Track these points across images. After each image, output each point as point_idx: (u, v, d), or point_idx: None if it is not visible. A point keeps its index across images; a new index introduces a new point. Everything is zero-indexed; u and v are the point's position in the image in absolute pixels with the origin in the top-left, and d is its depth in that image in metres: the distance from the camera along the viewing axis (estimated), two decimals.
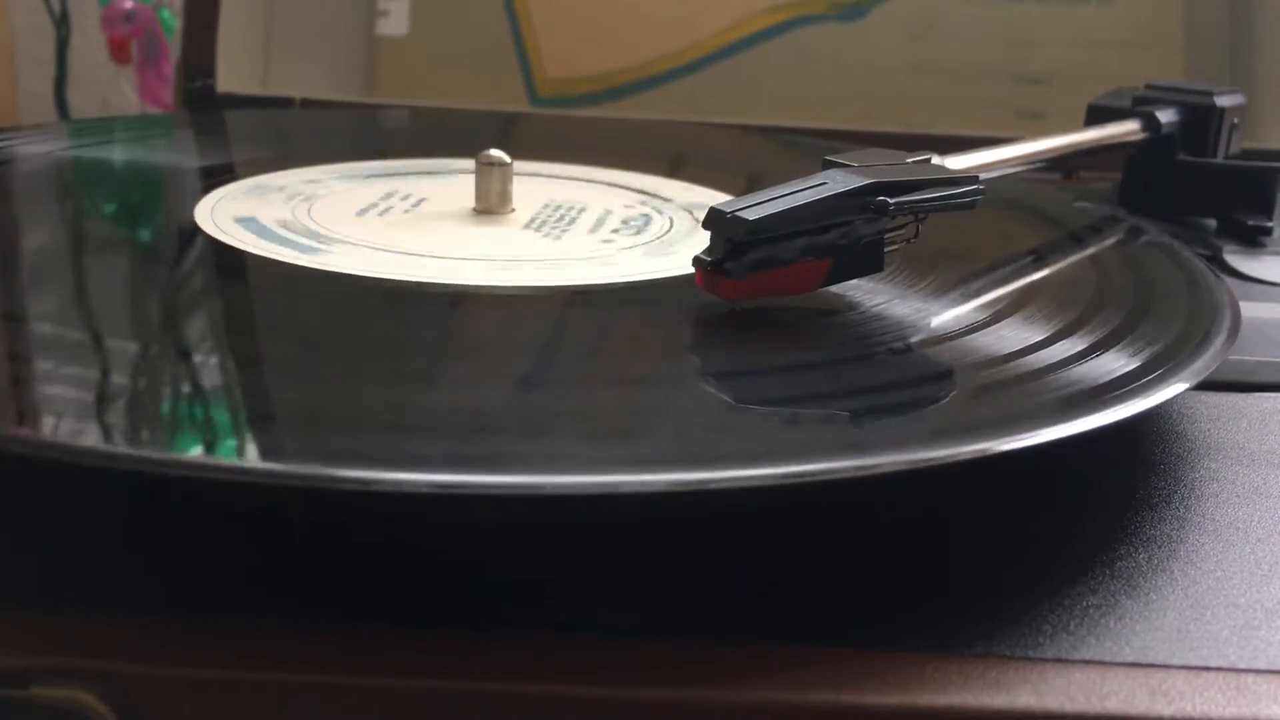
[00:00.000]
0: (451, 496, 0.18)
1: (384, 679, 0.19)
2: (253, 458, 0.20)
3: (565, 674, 0.19)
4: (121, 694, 0.18)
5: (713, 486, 0.19)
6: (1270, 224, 0.42)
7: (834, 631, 0.20)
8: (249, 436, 0.20)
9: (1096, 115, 0.45)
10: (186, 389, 0.22)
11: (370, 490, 0.18)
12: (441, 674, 0.19)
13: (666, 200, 0.38)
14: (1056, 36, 0.59)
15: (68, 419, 0.20)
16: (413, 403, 0.22)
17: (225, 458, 0.19)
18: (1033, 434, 0.21)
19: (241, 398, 0.22)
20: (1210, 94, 0.44)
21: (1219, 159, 0.44)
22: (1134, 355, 0.26)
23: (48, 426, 0.20)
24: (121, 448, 0.19)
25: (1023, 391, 0.24)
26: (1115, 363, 0.25)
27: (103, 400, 0.21)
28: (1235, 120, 0.45)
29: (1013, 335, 0.27)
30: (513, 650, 0.19)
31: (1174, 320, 0.28)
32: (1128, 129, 0.43)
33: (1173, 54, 0.59)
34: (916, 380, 0.25)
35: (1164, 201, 0.44)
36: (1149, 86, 0.46)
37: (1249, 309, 0.32)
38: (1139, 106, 0.44)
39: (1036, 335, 0.27)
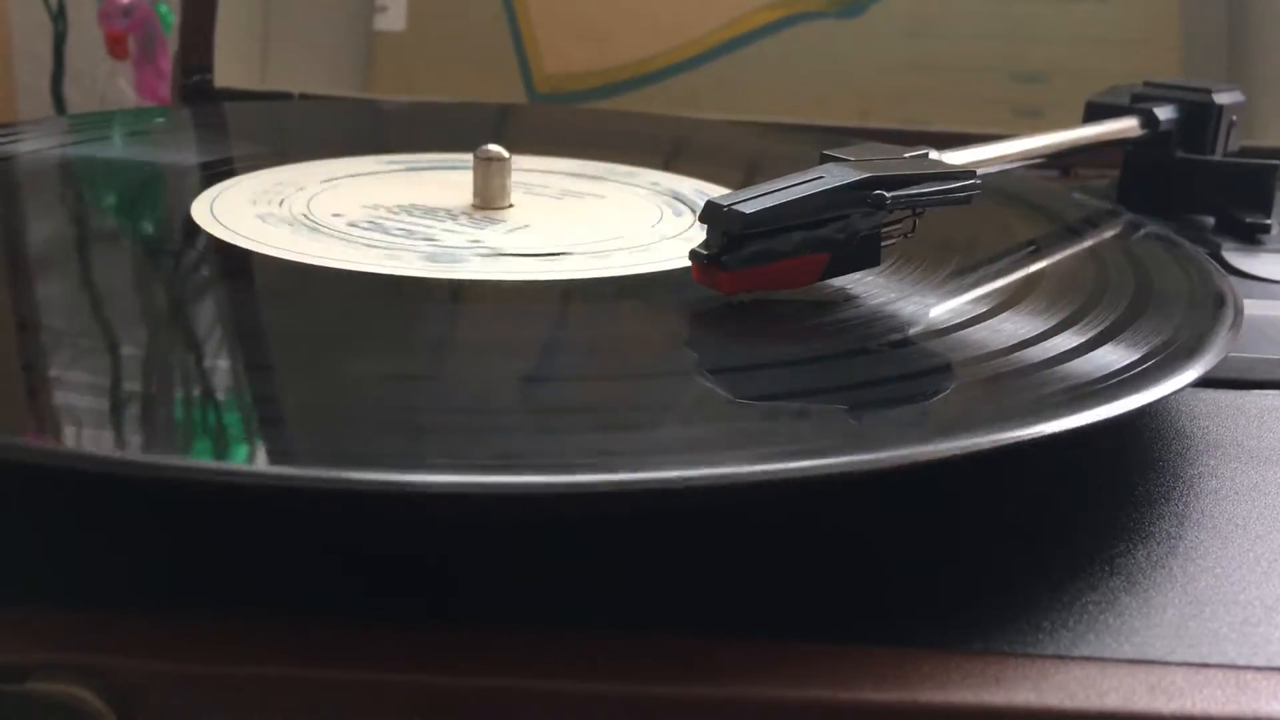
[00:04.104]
0: (462, 496, 0.18)
1: (381, 674, 0.19)
2: (263, 463, 0.19)
3: (563, 669, 0.19)
4: (118, 689, 0.18)
5: (714, 484, 0.19)
6: (1268, 221, 0.42)
7: (833, 628, 0.20)
8: (260, 441, 0.20)
9: (1095, 112, 0.45)
10: (191, 391, 0.22)
11: (384, 493, 0.18)
12: (439, 669, 0.19)
13: (665, 194, 0.38)
14: (1054, 34, 0.59)
15: (74, 425, 0.20)
16: (410, 402, 0.22)
17: (236, 463, 0.19)
18: (1039, 427, 0.21)
19: (247, 400, 0.22)
20: (1209, 91, 0.44)
21: (1217, 156, 0.44)
22: (1136, 349, 0.26)
23: (53, 433, 0.20)
24: (134, 455, 0.19)
25: (1021, 386, 0.24)
26: (1116, 357, 0.25)
27: (108, 404, 0.21)
28: (1234, 118, 0.45)
29: (1011, 329, 0.27)
30: (510, 645, 0.19)
31: (1176, 314, 0.28)
32: (1126, 126, 0.43)
33: (1171, 51, 0.59)
34: (913, 375, 0.25)
35: (1162, 199, 0.44)
36: (1147, 84, 0.46)
37: (1247, 306, 0.31)
38: (1137, 104, 0.44)
39: (1036, 329, 0.27)
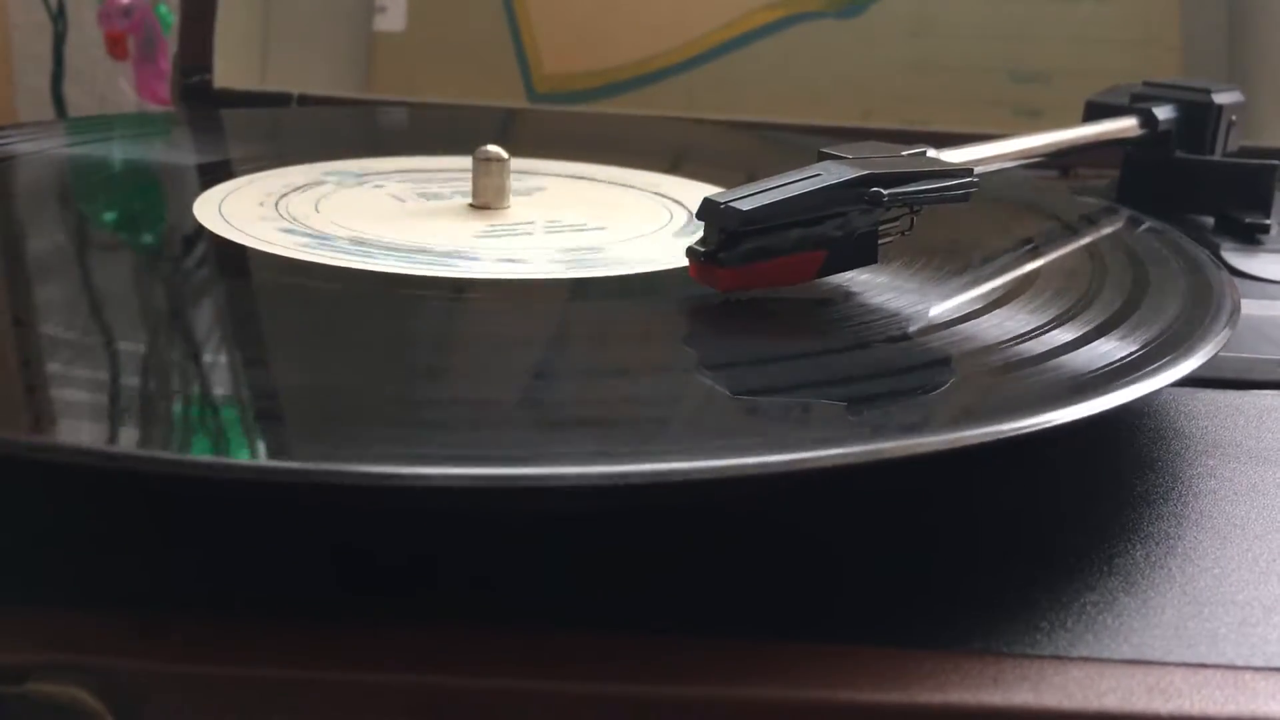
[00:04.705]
0: (462, 490, 0.18)
1: (381, 674, 0.19)
2: (262, 456, 0.19)
3: (563, 669, 0.19)
4: (117, 689, 0.18)
5: (708, 475, 0.19)
6: (1267, 221, 0.42)
7: (833, 628, 0.20)
8: (258, 435, 0.20)
9: (1094, 112, 0.45)
10: (191, 387, 0.22)
11: (384, 486, 0.18)
12: (439, 669, 0.19)
13: (664, 195, 0.38)
14: (1054, 34, 0.59)
15: (74, 420, 0.20)
16: (414, 397, 0.22)
17: (234, 457, 0.19)
18: (1037, 418, 0.21)
19: (246, 395, 0.22)
20: (1208, 91, 0.44)
21: (1217, 156, 0.44)
22: (1137, 340, 0.26)
23: (55, 429, 0.20)
24: (130, 449, 0.19)
25: (1018, 380, 0.24)
26: (1112, 351, 0.25)
27: (106, 400, 0.21)
28: (1233, 118, 0.45)
29: (1008, 325, 0.27)
30: (510, 645, 0.19)
31: (1173, 308, 0.28)
32: (1125, 126, 0.43)
33: (1171, 51, 0.59)
34: (911, 370, 0.25)
35: (1162, 199, 0.44)
36: (1147, 83, 0.46)
37: (1246, 306, 0.31)
38: (1137, 103, 0.44)
39: (1032, 324, 0.27)
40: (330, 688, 0.19)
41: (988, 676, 0.19)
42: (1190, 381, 0.24)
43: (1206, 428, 0.29)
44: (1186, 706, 0.19)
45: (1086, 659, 0.20)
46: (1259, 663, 0.20)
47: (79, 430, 0.20)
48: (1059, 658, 0.20)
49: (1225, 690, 0.19)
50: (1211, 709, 0.19)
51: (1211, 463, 0.27)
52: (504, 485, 0.18)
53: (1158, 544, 0.23)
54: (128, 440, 0.20)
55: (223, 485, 0.19)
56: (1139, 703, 0.19)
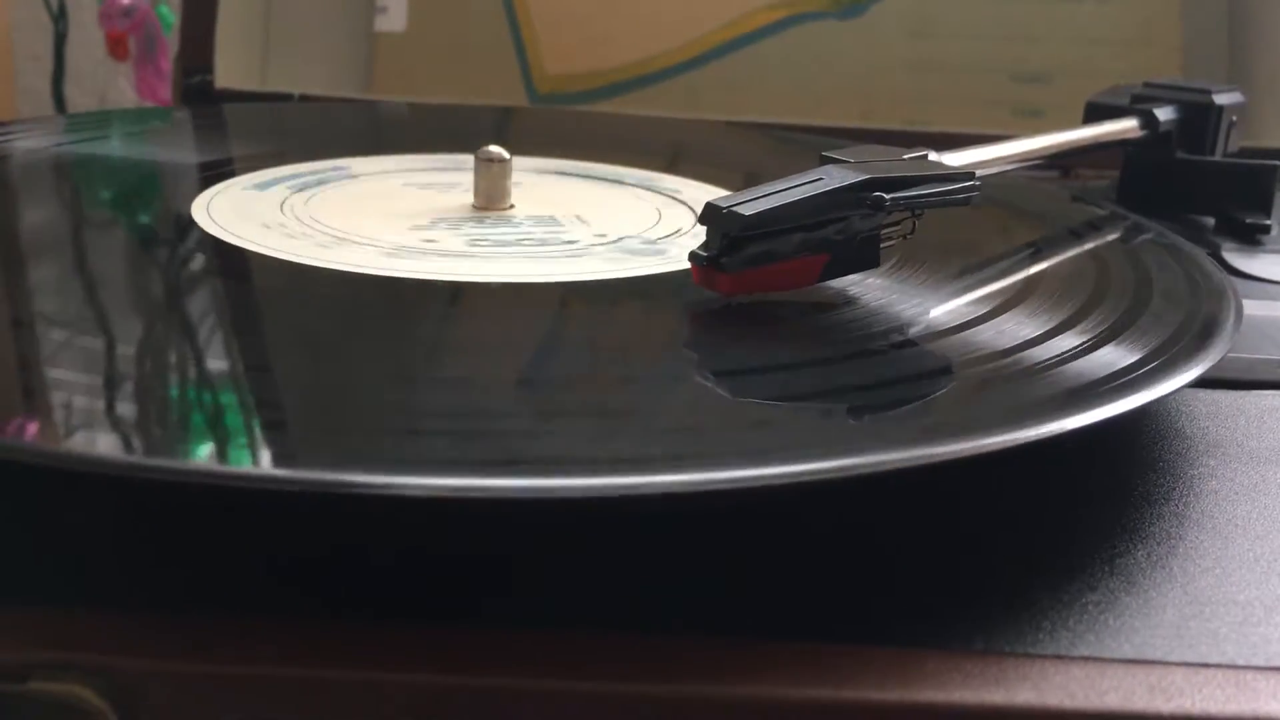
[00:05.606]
0: (456, 500, 0.18)
1: (381, 674, 0.19)
2: (254, 463, 0.19)
3: (563, 669, 0.19)
4: (119, 688, 0.18)
5: (714, 487, 0.19)
6: (1268, 222, 0.42)
7: (833, 628, 0.20)
8: (251, 441, 0.20)
9: (1095, 113, 0.45)
10: (185, 390, 0.22)
11: (377, 495, 0.18)
12: (437, 669, 0.19)
13: (666, 196, 0.38)
14: (1055, 34, 0.59)
15: (66, 422, 0.20)
16: (411, 403, 0.22)
17: (230, 464, 0.19)
18: (1035, 429, 0.21)
19: (240, 399, 0.22)
20: (1209, 92, 0.44)
21: (1217, 157, 0.44)
22: (1137, 349, 0.26)
23: (46, 431, 0.20)
24: (118, 455, 0.19)
25: (1023, 387, 0.24)
26: (1118, 356, 0.25)
27: (100, 402, 0.21)
28: (1233, 118, 0.45)
29: (1012, 330, 0.27)
30: (510, 645, 0.19)
31: (1177, 313, 0.28)
32: (1126, 127, 0.43)
33: (1171, 52, 0.59)
34: (914, 376, 0.25)
35: (1162, 199, 0.44)
36: (1147, 84, 0.46)
37: (1247, 307, 0.31)
38: (1137, 104, 0.44)
39: (1036, 330, 0.27)
40: (330, 687, 0.19)
41: (990, 676, 0.19)
42: (1191, 382, 0.24)
43: (1207, 428, 0.29)
44: (1188, 706, 0.19)
45: (1088, 658, 0.20)
46: (1260, 662, 0.20)
47: (67, 432, 0.20)
48: (1061, 657, 0.20)
49: (1226, 690, 0.19)
50: (1213, 708, 0.19)
51: (1213, 463, 0.27)
52: (495, 496, 0.18)
53: (1159, 544, 0.23)
54: (128, 449, 0.20)
55: (213, 493, 0.19)
56: (1140, 702, 0.19)
